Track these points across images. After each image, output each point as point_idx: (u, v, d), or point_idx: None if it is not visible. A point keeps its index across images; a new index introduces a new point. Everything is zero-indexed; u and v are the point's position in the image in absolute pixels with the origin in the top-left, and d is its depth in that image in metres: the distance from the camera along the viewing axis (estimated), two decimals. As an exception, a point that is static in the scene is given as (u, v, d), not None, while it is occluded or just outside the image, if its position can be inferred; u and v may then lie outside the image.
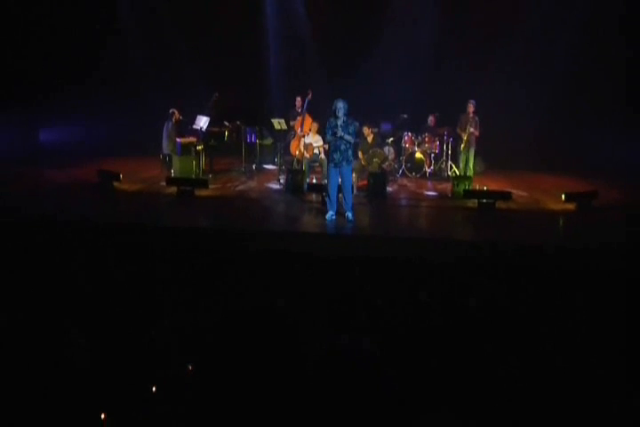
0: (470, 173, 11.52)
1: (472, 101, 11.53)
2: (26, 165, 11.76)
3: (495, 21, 12.82)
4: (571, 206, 9.84)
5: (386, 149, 12.02)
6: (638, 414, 3.55)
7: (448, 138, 12.13)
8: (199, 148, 11.58)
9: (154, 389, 3.78)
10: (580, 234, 8.79)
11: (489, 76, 12.51)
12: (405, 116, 12.49)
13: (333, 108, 8.77)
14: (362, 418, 3.49)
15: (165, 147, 11.71)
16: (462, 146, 11.70)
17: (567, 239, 8.76)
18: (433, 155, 12.32)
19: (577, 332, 4.78)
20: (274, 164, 12.58)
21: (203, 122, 11.75)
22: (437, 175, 12.25)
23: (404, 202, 10.75)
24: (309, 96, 11.23)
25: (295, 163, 11.51)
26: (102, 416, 3.51)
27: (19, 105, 12.18)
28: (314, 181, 11.26)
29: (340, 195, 9.10)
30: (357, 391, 3.65)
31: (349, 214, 8.99)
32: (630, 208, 9.81)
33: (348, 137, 8.75)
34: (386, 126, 12.63)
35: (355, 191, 9.68)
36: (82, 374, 3.93)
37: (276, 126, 11.94)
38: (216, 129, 11.97)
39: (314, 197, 10.40)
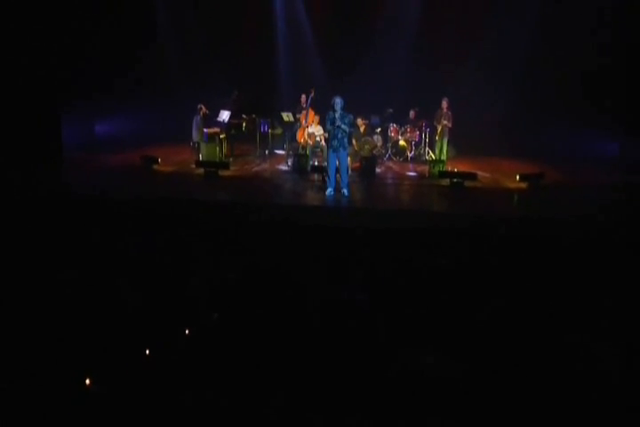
0: (444, 157, 11.41)
1: (446, 98, 11.37)
2: (85, 153, 11.75)
3: (465, 27, 12.57)
4: (523, 185, 9.81)
5: (375, 137, 11.95)
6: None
7: (426, 129, 11.99)
8: (222, 136, 11.49)
9: (187, 332, 3.80)
10: (530, 206, 8.79)
11: (460, 76, 12.33)
12: (391, 110, 12.31)
13: (332, 103, 8.67)
14: (357, 355, 3.51)
15: (195, 136, 11.64)
16: (437, 135, 11.60)
17: (519, 211, 8.78)
18: (414, 142, 12.21)
19: (531, 283, 4.80)
20: (283, 149, 12.46)
21: (225, 115, 11.66)
22: (417, 159, 12.15)
23: (389, 181, 10.67)
24: (312, 94, 11.08)
25: (300, 148, 11.42)
26: (147, 352, 3.54)
27: (78, 104, 12.06)
28: (316, 163, 11.16)
29: (338, 175, 9.06)
30: (353, 334, 3.66)
31: (345, 191, 8.95)
32: (570, 187, 9.82)
33: (344, 127, 8.66)
34: (375, 119, 12.48)
35: (350, 172, 9.61)
36: (130, 319, 3.96)
37: (285, 119, 11.86)
38: (236, 121, 11.84)
39: (316, 176, 10.32)
